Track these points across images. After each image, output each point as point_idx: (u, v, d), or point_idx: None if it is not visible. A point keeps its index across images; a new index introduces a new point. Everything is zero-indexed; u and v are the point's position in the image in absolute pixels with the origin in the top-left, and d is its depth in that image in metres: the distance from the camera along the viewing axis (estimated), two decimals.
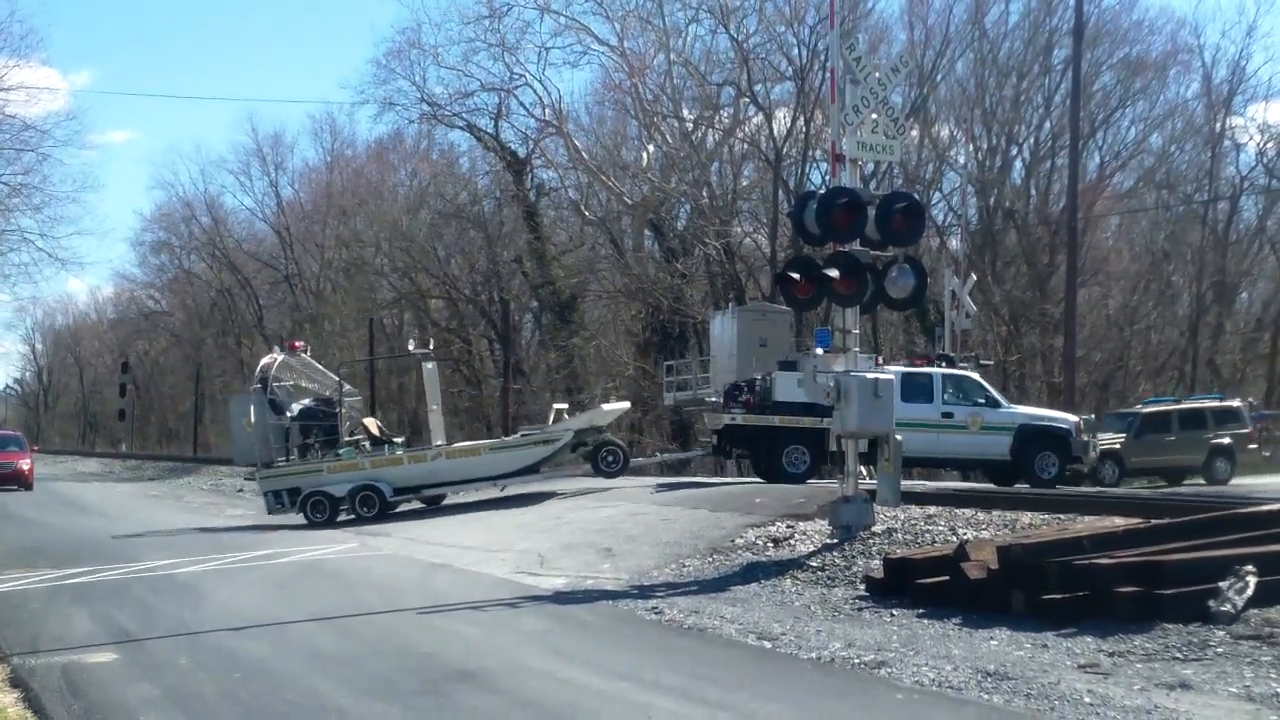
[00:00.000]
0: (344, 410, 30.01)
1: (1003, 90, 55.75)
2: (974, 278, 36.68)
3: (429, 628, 13.06)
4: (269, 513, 29.23)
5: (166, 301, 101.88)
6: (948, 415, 27.37)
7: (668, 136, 56.25)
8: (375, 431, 30.41)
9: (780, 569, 15.70)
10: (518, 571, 17.57)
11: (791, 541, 17.38)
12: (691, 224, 55.40)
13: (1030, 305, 52.77)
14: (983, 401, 27.86)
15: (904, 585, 13.50)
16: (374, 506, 27.79)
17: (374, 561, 19.85)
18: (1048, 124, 55.89)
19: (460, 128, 65.11)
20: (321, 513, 27.83)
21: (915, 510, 18.10)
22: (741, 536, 18.12)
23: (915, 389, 27.20)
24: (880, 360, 29.44)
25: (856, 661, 10.52)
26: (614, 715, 9.07)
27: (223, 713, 9.63)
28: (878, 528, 16.86)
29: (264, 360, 30.64)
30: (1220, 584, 11.09)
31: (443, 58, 62.07)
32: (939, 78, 55.32)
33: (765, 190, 55.40)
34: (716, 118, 56.67)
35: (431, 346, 33.20)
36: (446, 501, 29.15)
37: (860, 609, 13.13)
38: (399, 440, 31.35)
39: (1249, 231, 57.81)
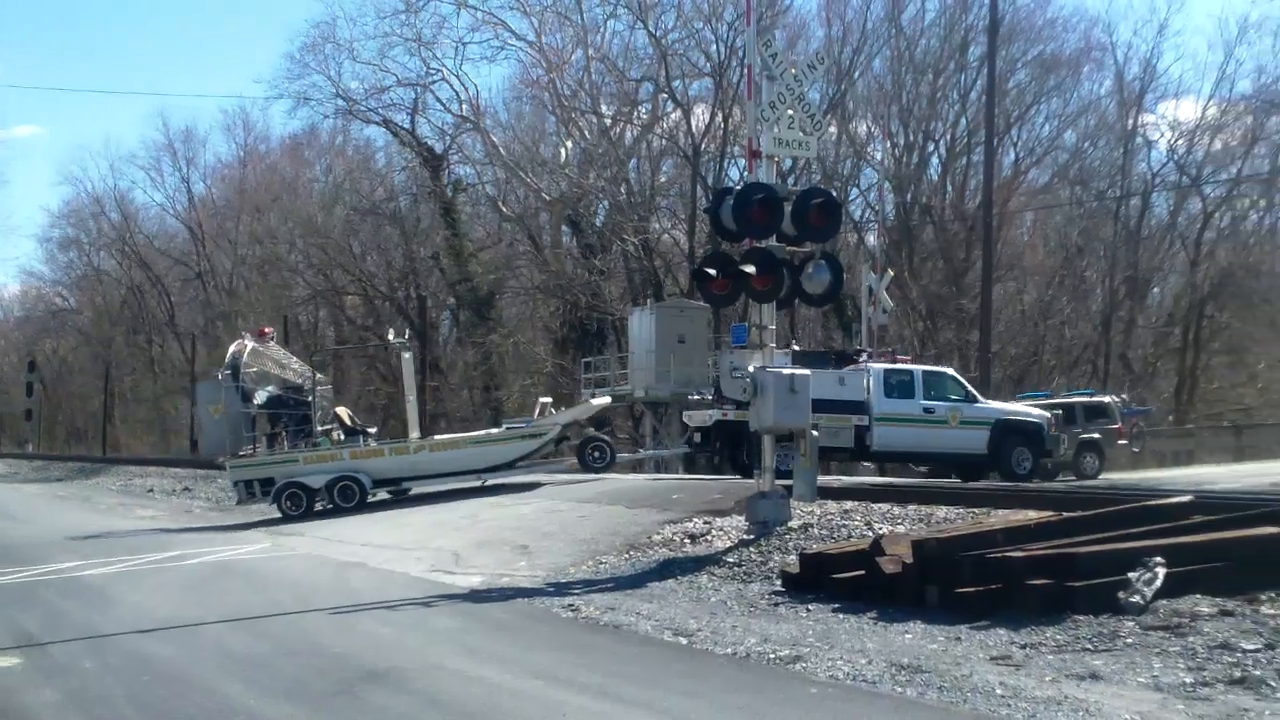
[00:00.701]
0: (317, 399, 29.40)
1: (919, 87, 56.27)
2: (891, 273, 36.93)
3: (341, 628, 12.90)
4: (238, 503, 28.93)
5: (75, 299, 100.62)
6: (929, 411, 27.78)
7: (586, 132, 56.24)
8: (348, 421, 29.79)
9: (697, 565, 15.66)
10: (433, 570, 17.42)
11: (708, 537, 17.35)
12: (610, 220, 55.42)
13: (947, 300, 53.24)
14: (960, 397, 28.36)
15: (820, 580, 13.50)
16: (353, 498, 27.25)
17: (287, 561, 19.62)
18: (964, 121, 56.51)
19: (376, 123, 64.92)
20: (297, 505, 27.23)
21: (832, 505, 18.12)
22: (659, 533, 18.07)
23: (897, 385, 27.78)
24: (865, 357, 29.91)
25: (772, 656, 10.50)
26: (528, 714, 8.98)
27: (129, 717, 9.44)
28: (794, 523, 16.86)
29: (233, 346, 29.73)
30: (1130, 575, 11.17)
31: (358, 53, 61.91)
32: (856, 74, 55.80)
33: (684, 186, 55.58)
34: (635, 114, 56.78)
35: (407, 336, 32.74)
36: (376, 502, 28.84)
37: (776, 604, 13.11)
38: (372, 430, 30.79)
39: (1160, 227, 58.70)
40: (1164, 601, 10.94)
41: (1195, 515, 13.36)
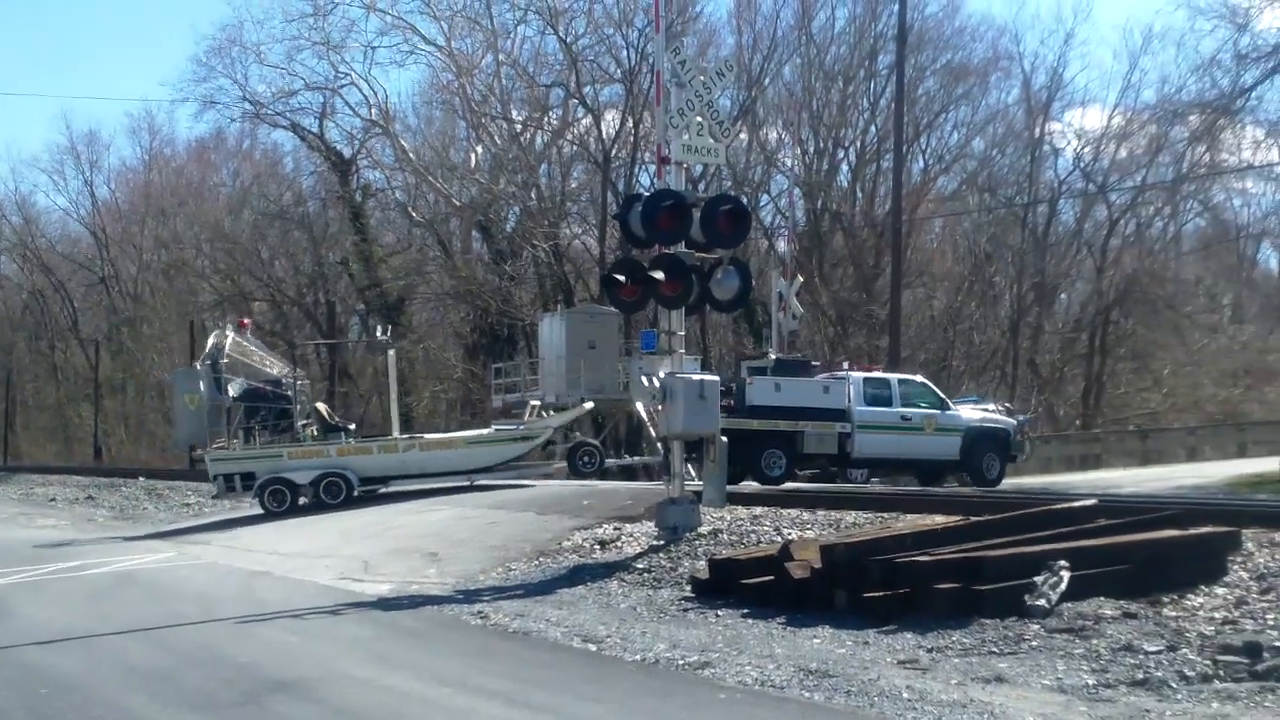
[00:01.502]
0: (297, 393, 28.87)
1: (829, 94, 56.63)
2: (801, 279, 37.07)
3: (247, 637, 12.74)
4: (215, 496, 28.34)
5: None
6: (905, 418, 28.27)
7: (496, 138, 56.11)
8: (327, 417, 29.35)
9: (607, 571, 15.64)
10: (341, 578, 17.27)
11: (618, 544, 17.35)
12: (520, 226, 55.34)
13: (857, 306, 53.61)
14: (934, 405, 28.89)
15: (729, 586, 13.52)
16: (339, 495, 26.81)
17: (192, 571, 19.36)
18: (873, 128, 56.95)
19: (284, 127, 64.36)
20: (280, 501, 26.75)
21: (741, 511, 18.17)
22: (569, 539, 18.04)
23: (875, 394, 28.28)
24: (848, 366, 31.04)
25: (681, 662, 10.49)
26: None
27: None
28: (704, 529, 16.88)
29: (213, 337, 29.21)
30: (1036, 579, 11.28)
31: (266, 56, 61.41)
32: (767, 81, 56.05)
33: (594, 192, 55.56)
34: (545, 119, 56.70)
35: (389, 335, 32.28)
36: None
37: (686, 610, 13.11)
38: (351, 427, 30.13)
39: (1067, 234, 59.44)
40: (1069, 604, 11.05)
41: (1100, 519, 13.53)
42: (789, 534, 15.90)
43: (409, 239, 64.68)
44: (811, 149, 57.44)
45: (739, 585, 13.35)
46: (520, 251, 54.32)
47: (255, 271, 67.41)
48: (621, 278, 17.01)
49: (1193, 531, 12.71)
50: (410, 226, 63.25)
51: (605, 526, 18.54)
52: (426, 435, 30.37)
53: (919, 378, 31.05)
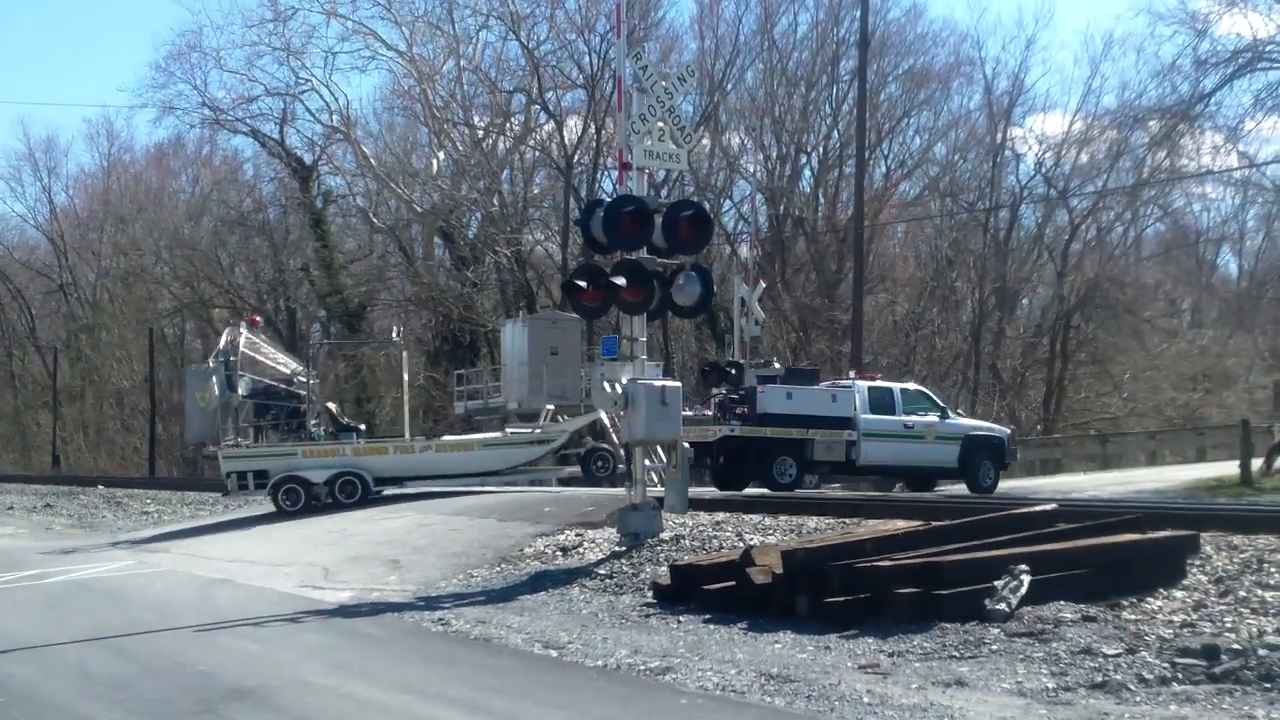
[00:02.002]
0: (310, 392, 28.64)
1: (792, 100, 56.73)
2: (763, 285, 37.09)
3: (207, 645, 12.65)
4: (226, 493, 28.20)
5: None
6: (909, 426, 28.70)
7: (458, 144, 56.01)
8: (337, 416, 29.23)
9: (569, 577, 15.62)
10: (302, 586, 17.19)
11: (580, 550, 17.33)
12: (482, 232, 55.24)
13: (819, 311, 53.69)
14: (935, 413, 29.43)
15: (691, 592, 13.51)
16: (354, 494, 26.69)
17: (151, 579, 19.23)
18: (835, 133, 57.04)
19: (244, 133, 64.08)
20: (294, 500, 26.59)
21: (703, 517, 18.19)
22: (530, 545, 18.02)
23: (879, 402, 28.70)
24: (853, 375, 31.02)
25: (642, 668, 10.48)
26: None
27: None
28: (666, 535, 16.89)
29: (226, 334, 29.01)
30: (996, 583, 11.31)
31: (225, 61, 61.18)
32: (729, 87, 56.10)
33: (557, 198, 55.58)
34: (508, 125, 56.65)
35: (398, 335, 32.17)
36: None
37: (648, 616, 13.10)
38: (361, 427, 30.03)
39: (1028, 239, 59.70)
40: (1029, 608, 11.09)
41: (1059, 523, 13.59)
42: (751, 540, 15.90)
43: (370, 245, 64.52)
44: (774, 154, 57.56)
45: (701, 591, 13.35)
46: (482, 257, 54.22)
47: (215, 278, 67.10)
48: (583, 284, 17.01)
49: (1152, 535, 12.80)
50: (372, 233, 63.09)
51: (567, 533, 18.53)
52: (443, 437, 30.44)
53: (922, 387, 31.87)
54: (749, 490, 25.78)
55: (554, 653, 11.43)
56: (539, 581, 15.65)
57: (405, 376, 30.42)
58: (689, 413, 30.26)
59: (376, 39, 56.27)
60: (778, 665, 10.19)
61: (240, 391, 27.74)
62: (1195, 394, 58.92)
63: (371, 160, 57.99)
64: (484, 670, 10.86)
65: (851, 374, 31.92)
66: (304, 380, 28.74)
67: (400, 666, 11.09)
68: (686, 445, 17.91)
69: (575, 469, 29.21)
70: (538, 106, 54.79)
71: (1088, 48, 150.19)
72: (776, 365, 32.37)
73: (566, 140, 53.87)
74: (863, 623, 11.39)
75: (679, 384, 17.93)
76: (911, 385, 31.69)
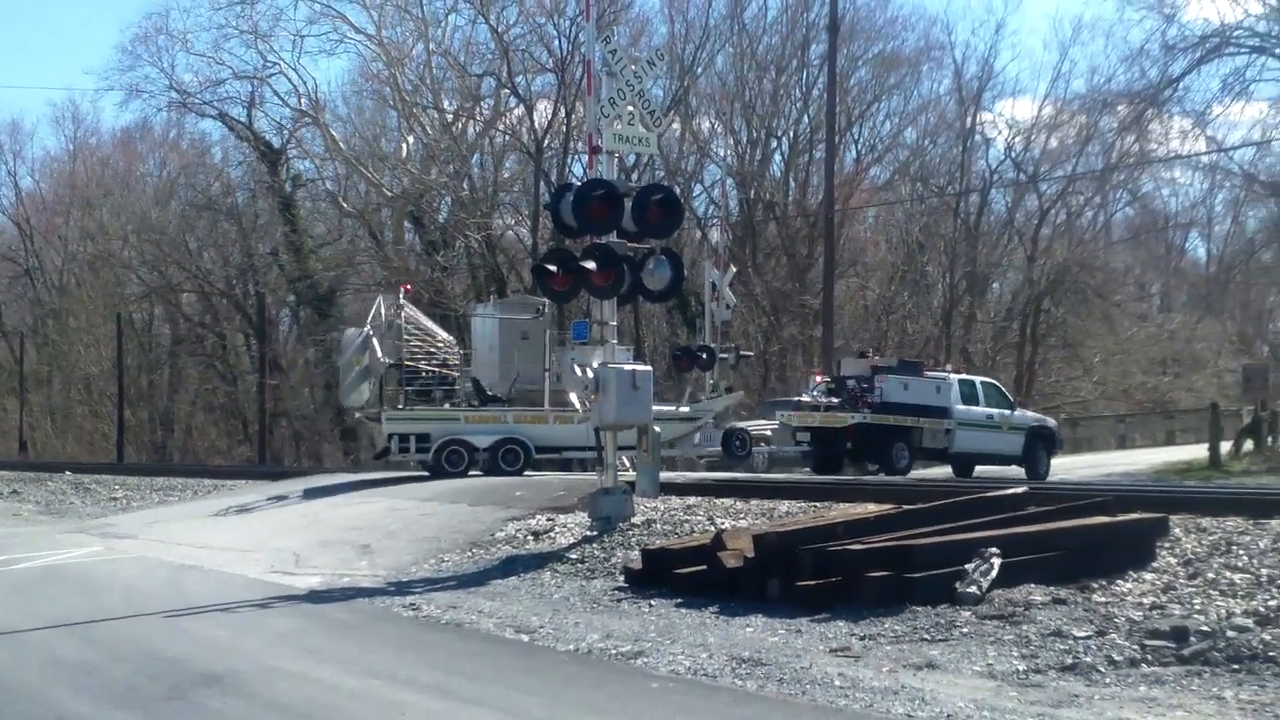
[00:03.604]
0: (459, 361, 28.75)
1: (762, 84, 56.72)
2: (734, 269, 37.08)
3: (176, 631, 12.57)
4: (376, 457, 29.07)
5: None
6: (990, 417, 31.20)
7: (428, 128, 55.81)
8: (484, 387, 29.04)
9: (540, 562, 15.59)
10: (272, 571, 17.11)
11: (551, 534, 17.29)
12: (453, 216, 55.08)
13: (790, 296, 53.75)
14: (1007, 405, 32.01)
15: (663, 576, 13.49)
16: (516, 462, 26.87)
17: (120, 565, 19.10)
18: (806, 118, 57.08)
19: (212, 117, 63.77)
20: (457, 463, 26.73)
21: (675, 501, 18.18)
22: (501, 530, 17.98)
23: (968, 394, 31.22)
24: (950, 368, 34.94)
25: (614, 652, 10.46)
26: (367, 714, 8.81)
27: None
28: (637, 519, 16.87)
29: (380, 301, 28.77)
30: (967, 566, 11.33)
31: (192, 44, 61.01)
32: (699, 71, 56.01)
33: (527, 182, 55.42)
34: (477, 109, 56.51)
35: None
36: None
37: (619, 600, 13.09)
38: (503, 398, 29.65)
39: (999, 224, 59.89)
40: (1000, 591, 11.12)
41: (1030, 506, 13.63)
42: (722, 523, 15.89)
43: (340, 230, 64.25)
44: (744, 139, 57.54)
45: (672, 575, 13.33)
46: (453, 242, 54.05)
47: (183, 263, 66.75)
48: (553, 268, 16.96)
49: (1122, 518, 12.83)
50: (341, 217, 62.81)
51: (539, 517, 18.48)
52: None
53: (993, 380, 34.37)
54: (691, 475, 26.08)
55: (525, 637, 11.41)
56: (510, 566, 15.62)
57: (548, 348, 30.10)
58: (806, 398, 31.70)
59: (345, 22, 56.07)
60: (749, 649, 10.18)
61: (393, 358, 27.56)
62: (1164, 378, 59.32)
63: (340, 144, 57.74)
64: (455, 655, 10.83)
65: (948, 367, 35.18)
66: (455, 349, 28.79)
67: (371, 651, 11.05)
68: (656, 429, 17.86)
69: (716, 448, 29.99)
70: (507, 90, 54.64)
71: (1057, 32, 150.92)
72: (748, 352, 33.44)
73: (536, 124, 53.75)
74: (834, 606, 11.40)
75: (649, 368, 17.93)
76: (988, 379, 34.20)
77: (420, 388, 27.84)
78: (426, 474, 27.03)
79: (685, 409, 29.32)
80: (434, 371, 28.02)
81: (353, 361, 27.80)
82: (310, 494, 26.11)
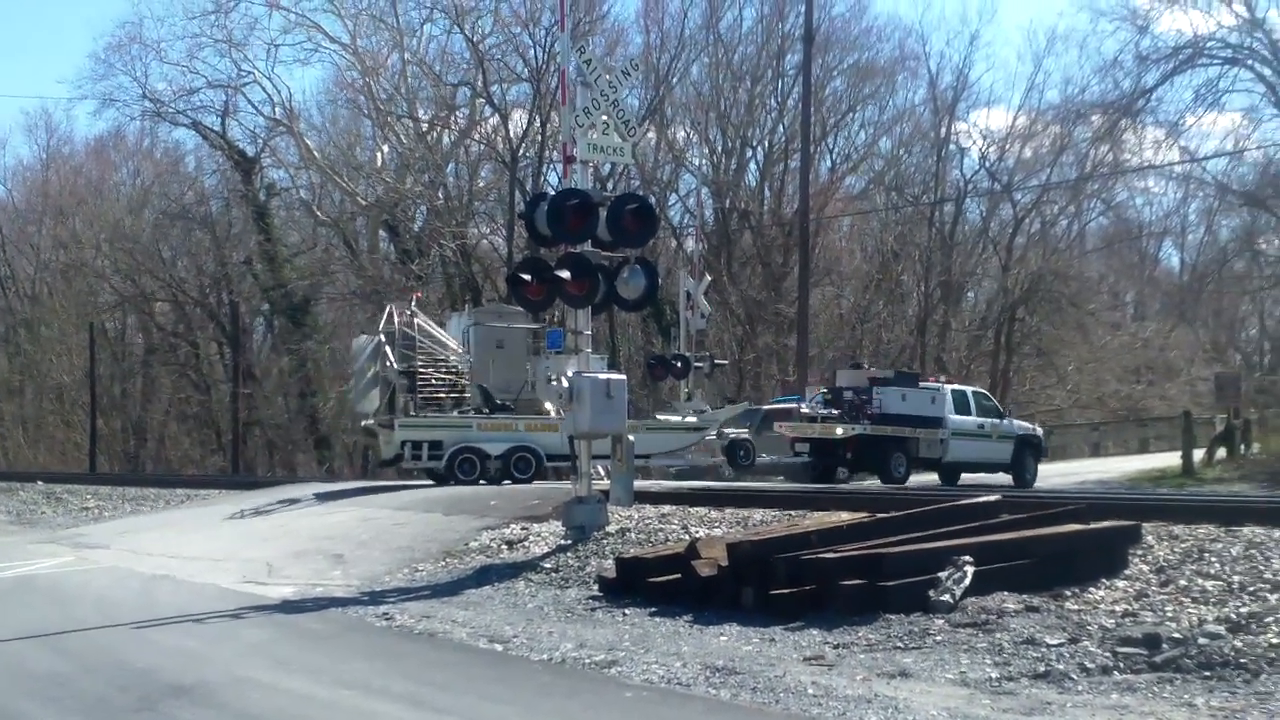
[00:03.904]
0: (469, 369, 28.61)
1: (737, 94, 56.86)
2: (709, 278, 37.17)
3: (147, 642, 12.51)
4: (384, 464, 29.17)
5: None
6: (981, 426, 31.96)
7: (402, 137, 55.73)
8: (491, 395, 28.92)
9: (514, 571, 15.56)
10: (244, 581, 17.02)
11: (526, 543, 17.27)
12: (428, 225, 55.01)
13: (765, 305, 53.83)
14: (996, 414, 32.79)
15: (637, 584, 13.48)
16: (528, 470, 26.90)
17: (91, 575, 18.99)
18: (781, 127, 57.21)
19: (185, 126, 63.55)
20: (470, 471, 26.76)
21: (649, 509, 18.17)
22: (475, 539, 17.93)
23: (960, 404, 31.94)
24: (943, 379, 35.20)
25: (588, 661, 10.44)
26: None
27: None
28: (612, 528, 16.86)
29: (394, 310, 28.58)
30: (940, 574, 11.34)
31: (166, 53, 60.67)
32: (675, 80, 56.11)
33: (502, 191, 55.42)
34: (452, 118, 56.43)
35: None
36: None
37: (593, 609, 13.07)
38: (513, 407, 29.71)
39: (973, 233, 60.08)
40: (973, 599, 11.12)
41: (1003, 514, 13.66)
42: (696, 532, 15.89)
43: (314, 239, 64.13)
44: (720, 148, 57.68)
45: (646, 584, 13.32)
46: (427, 251, 53.97)
47: (157, 272, 66.51)
48: (527, 277, 16.92)
49: (1095, 526, 12.86)
50: (315, 226, 62.71)
51: (513, 526, 18.45)
52: None
53: (982, 390, 35.68)
54: (667, 484, 26.14)
55: (499, 646, 11.37)
56: (484, 575, 15.58)
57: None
58: (805, 409, 32.32)
59: (319, 31, 55.90)
60: (723, 658, 10.17)
61: (403, 366, 27.52)
62: (1138, 386, 59.57)
63: (315, 153, 57.62)
64: (428, 665, 10.79)
65: (942, 377, 35.63)
66: (463, 358, 28.70)
67: (343, 662, 11.00)
68: (630, 439, 17.85)
69: (720, 458, 30.59)
70: (483, 100, 54.59)
71: (1031, 43, 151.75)
72: (723, 361, 33.79)
73: (511, 134, 53.73)
74: (808, 614, 11.40)
75: (624, 377, 17.89)
76: (979, 389, 35.30)
77: (430, 396, 27.86)
78: (432, 482, 27.15)
79: (692, 419, 29.82)
80: (444, 379, 28.06)
81: (365, 369, 27.93)
82: (283, 504, 25.96)
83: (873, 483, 30.83)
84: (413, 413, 27.37)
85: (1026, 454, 32.67)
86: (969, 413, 31.95)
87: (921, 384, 33.08)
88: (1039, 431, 34.38)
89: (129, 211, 69.46)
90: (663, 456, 29.98)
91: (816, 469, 31.07)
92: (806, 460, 31.77)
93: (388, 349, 27.38)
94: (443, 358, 28.32)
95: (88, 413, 66.91)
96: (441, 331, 29.29)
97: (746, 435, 30.93)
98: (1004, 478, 32.41)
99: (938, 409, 31.45)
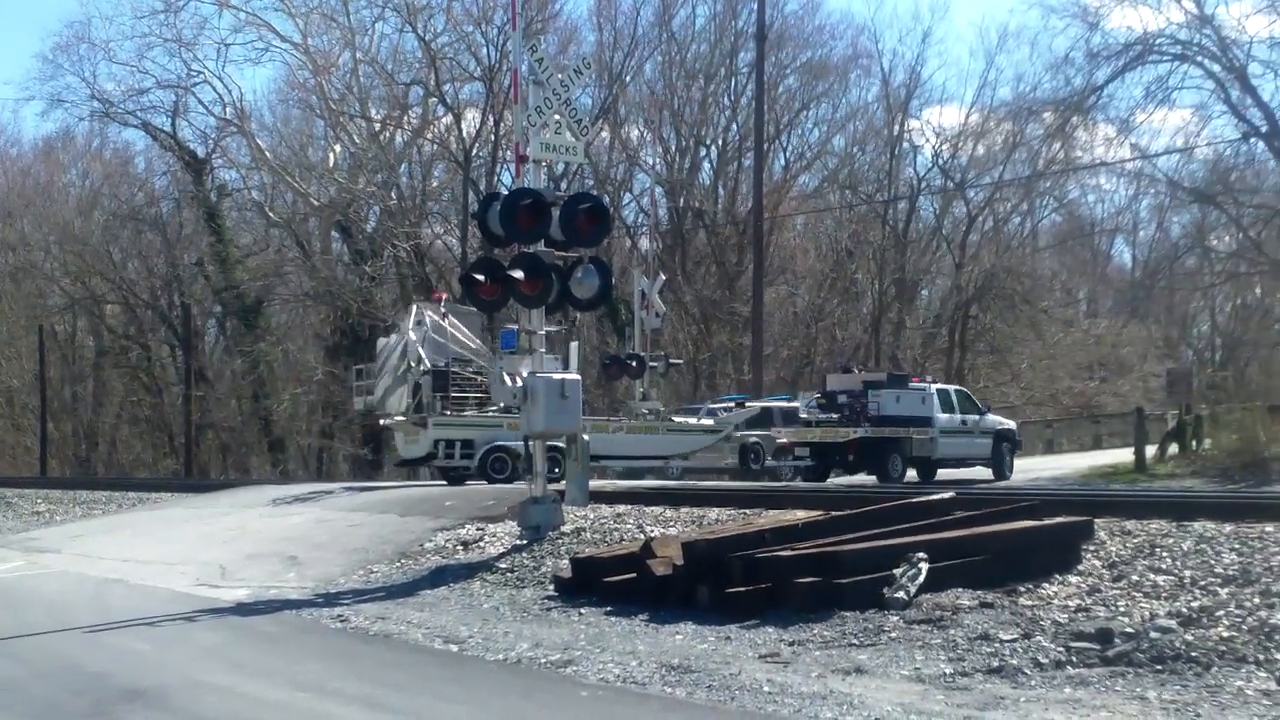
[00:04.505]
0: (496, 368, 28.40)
1: (691, 92, 56.95)
2: (663, 277, 37.20)
3: (100, 646, 12.41)
4: (401, 463, 30.04)
5: None
6: (964, 423, 33.03)
7: (355, 137, 55.50)
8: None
9: (469, 572, 15.53)
10: (198, 584, 16.91)
11: (481, 544, 17.24)
12: (381, 226, 54.84)
13: (720, 304, 53.92)
14: (976, 410, 33.76)
15: (592, 584, 13.46)
16: (557, 470, 26.70)
17: (42, 580, 18.85)
18: (734, 126, 57.36)
19: (135, 126, 63.14)
20: (502, 469, 26.99)
21: (605, 509, 18.16)
22: (430, 540, 17.89)
23: (945, 403, 32.94)
24: (930, 380, 37.05)
25: (543, 661, 10.42)
26: None
27: None
28: (567, 528, 16.84)
29: (417, 308, 28.82)
30: (895, 571, 11.37)
31: (115, 53, 60.33)
32: (628, 79, 56.12)
33: (455, 191, 55.34)
34: (405, 118, 56.26)
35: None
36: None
37: (549, 609, 13.04)
38: None
39: (927, 231, 60.35)
40: (927, 595, 11.16)
41: (957, 511, 13.70)
42: (652, 531, 15.89)
43: (266, 240, 63.80)
44: (673, 147, 57.76)
45: (602, 583, 13.31)
46: (381, 251, 53.79)
47: (107, 274, 66.01)
48: (481, 277, 16.86)
49: (1048, 522, 12.91)
50: (268, 227, 62.38)
51: (468, 527, 18.43)
52: (633, 420, 31.09)
53: (963, 388, 36.90)
54: (622, 484, 26.22)
55: (454, 647, 11.34)
56: (440, 576, 15.54)
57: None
58: (803, 414, 33.08)
59: (270, 30, 55.67)
60: (679, 656, 10.17)
61: (428, 366, 27.55)
62: (1091, 383, 59.95)
63: (266, 153, 57.34)
64: (383, 666, 10.75)
65: (928, 378, 37.28)
66: (489, 356, 28.33)
67: (298, 664, 10.95)
68: (585, 438, 17.85)
69: (731, 460, 31.82)
70: (435, 99, 54.48)
71: (983, 40, 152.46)
72: (678, 360, 34.47)
73: (465, 133, 53.68)
74: (764, 612, 11.40)
75: (579, 377, 17.87)
76: (959, 387, 36.66)
77: (457, 395, 27.97)
78: (430, 483, 27.27)
79: (708, 421, 30.71)
80: (471, 378, 28.22)
81: (394, 367, 27.91)
82: (236, 506, 25.82)
83: (870, 480, 31.76)
84: (443, 411, 27.46)
85: (1003, 448, 33.90)
86: (953, 411, 33.02)
87: (920, 384, 34.13)
88: (1013, 426, 35.62)
89: (78, 213, 68.93)
90: (679, 459, 30.81)
91: (817, 471, 32.06)
92: (809, 465, 32.66)
93: (419, 349, 27.40)
94: (469, 358, 28.44)
95: (38, 416, 66.35)
96: (467, 332, 29.32)
97: (757, 439, 32.00)
98: (982, 471, 33.78)
99: (927, 409, 32.43)
